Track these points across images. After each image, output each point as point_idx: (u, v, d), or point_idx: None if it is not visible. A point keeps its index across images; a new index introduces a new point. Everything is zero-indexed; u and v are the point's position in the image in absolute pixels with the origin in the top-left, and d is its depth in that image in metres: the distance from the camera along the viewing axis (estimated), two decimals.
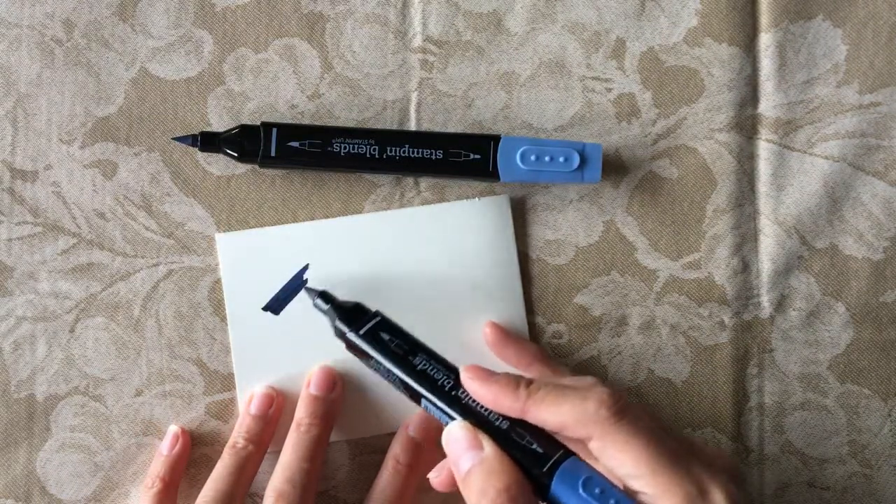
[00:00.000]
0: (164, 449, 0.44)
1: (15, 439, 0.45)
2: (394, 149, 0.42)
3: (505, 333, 0.44)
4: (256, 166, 0.44)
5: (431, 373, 0.38)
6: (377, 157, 0.42)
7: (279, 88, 0.45)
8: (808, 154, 0.46)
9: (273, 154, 0.42)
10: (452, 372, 0.38)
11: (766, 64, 0.46)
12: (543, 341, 0.46)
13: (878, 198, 0.46)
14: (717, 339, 0.46)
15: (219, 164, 0.45)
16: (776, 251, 0.46)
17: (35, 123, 0.45)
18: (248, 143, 0.43)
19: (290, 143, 0.41)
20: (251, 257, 0.45)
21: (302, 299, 0.44)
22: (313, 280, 0.44)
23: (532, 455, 0.35)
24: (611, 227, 0.46)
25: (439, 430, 0.44)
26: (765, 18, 0.46)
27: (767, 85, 0.46)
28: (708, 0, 0.46)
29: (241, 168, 0.45)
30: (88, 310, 0.45)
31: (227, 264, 0.45)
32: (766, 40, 0.46)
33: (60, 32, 0.45)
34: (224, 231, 0.45)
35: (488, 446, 0.35)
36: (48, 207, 0.45)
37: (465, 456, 0.35)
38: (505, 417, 0.36)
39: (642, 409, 0.36)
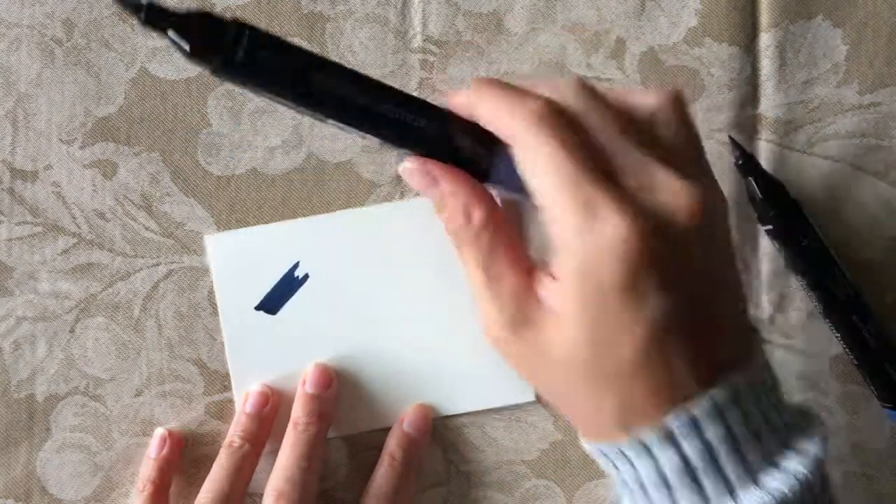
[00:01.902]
0: (151, 452, 0.44)
1: (15, 439, 0.45)
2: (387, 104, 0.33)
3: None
4: (211, 74, 0.31)
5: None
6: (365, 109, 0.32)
7: None
8: (808, 154, 0.46)
9: (238, 60, 0.30)
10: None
11: (766, 64, 0.46)
12: None
13: (878, 198, 0.46)
14: None
15: (219, 164, 0.45)
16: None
17: (35, 123, 0.45)
18: (207, 37, 0.30)
19: (262, 54, 0.30)
20: (242, 257, 0.45)
21: (294, 298, 0.44)
22: (310, 276, 0.44)
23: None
24: None
25: (435, 423, 0.44)
26: (765, 18, 0.46)
27: (767, 85, 0.46)
28: (708, 0, 0.46)
29: (242, 168, 0.45)
30: (88, 310, 0.45)
31: (218, 264, 0.45)
32: (766, 40, 0.46)
33: (60, 32, 0.45)
34: (224, 231, 0.45)
35: (443, 181, 0.33)
36: (48, 207, 0.45)
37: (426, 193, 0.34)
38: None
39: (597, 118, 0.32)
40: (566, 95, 0.32)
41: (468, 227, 0.33)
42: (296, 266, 0.44)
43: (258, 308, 0.44)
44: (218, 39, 0.29)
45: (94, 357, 0.45)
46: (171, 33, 0.29)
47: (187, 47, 0.30)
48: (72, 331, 0.45)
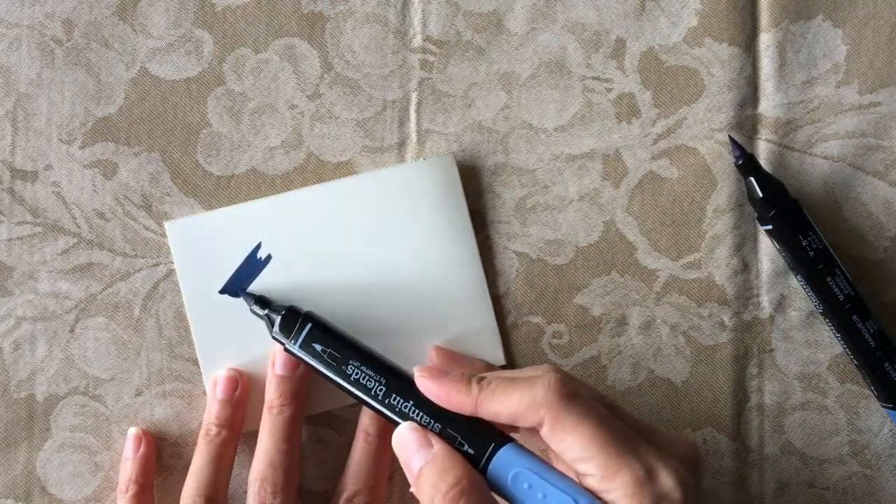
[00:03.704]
0: (128, 453, 0.44)
1: (15, 439, 0.45)
2: (397, 398, 0.39)
3: (450, 354, 0.44)
4: (284, 350, 0.42)
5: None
6: (379, 397, 0.39)
7: (279, 88, 0.45)
8: (808, 154, 0.46)
9: (298, 345, 0.41)
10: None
11: (766, 64, 0.46)
12: (543, 341, 0.46)
13: (878, 198, 0.46)
14: (717, 339, 0.46)
15: (219, 164, 0.45)
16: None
17: (35, 123, 0.45)
18: (288, 323, 0.41)
19: (314, 344, 0.40)
20: (203, 241, 0.44)
21: (258, 279, 0.44)
22: (273, 257, 0.44)
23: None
24: (611, 227, 0.46)
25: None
26: (765, 18, 0.46)
27: (767, 85, 0.46)
28: (708, 0, 0.46)
29: (242, 168, 0.45)
30: (88, 310, 0.45)
31: (180, 251, 0.44)
32: (766, 40, 0.46)
33: (60, 32, 0.45)
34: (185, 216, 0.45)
35: (437, 443, 0.36)
36: (48, 207, 0.45)
37: (416, 456, 0.36)
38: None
39: (592, 394, 0.36)
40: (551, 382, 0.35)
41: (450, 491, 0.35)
42: (258, 247, 0.44)
43: (222, 292, 0.44)
44: (293, 325, 0.41)
45: (94, 357, 0.45)
46: (268, 313, 0.42)
47: (276, 324, 0.41)
48: (72, 331, 0.45)
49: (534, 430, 0.36)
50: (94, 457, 0.45)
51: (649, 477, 0.33)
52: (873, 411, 0.46)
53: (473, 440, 0.37)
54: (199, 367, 0.45)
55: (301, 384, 0.43)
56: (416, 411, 0.38)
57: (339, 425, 0.45)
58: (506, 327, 0.46)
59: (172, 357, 0.45)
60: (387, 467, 0.44)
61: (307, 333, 0.40)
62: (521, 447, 0.36)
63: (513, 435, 0.38)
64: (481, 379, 0.37)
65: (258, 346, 0.44)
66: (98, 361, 0.45)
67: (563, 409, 0.34)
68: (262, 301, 0.42)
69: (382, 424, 0.43)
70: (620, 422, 0.35)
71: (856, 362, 0.44)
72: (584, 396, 0.35)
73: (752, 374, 0.46)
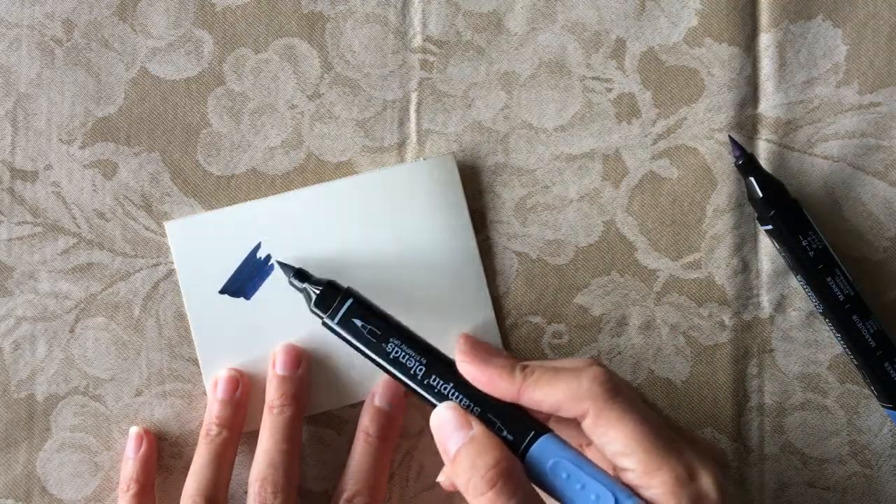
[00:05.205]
0: (130, 452, 0.44)
1: (15, 439, 0.45)
2: (437, 380, 0.38)
3: (478, 343, 0.44)
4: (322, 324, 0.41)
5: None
6: (418, 378, 0.39)
7: (279, 88, 0.45)
8: (807, 154, 0.46)
9: (337, 321, 0.40)
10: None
11: (766, 64, 0.46)
12: (543, 341, 0.46)
13: (878, 198, 0.46)
14: (717, 339, 0.46)
15: (219, 164, 0.45)
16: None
17: (35, 123, 0.45)
18: (326, 297, 0.41)
19: (353, 319, 0.40)
20: (204, 241, 0.45)
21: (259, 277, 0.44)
22: (273, 257, 0.44)
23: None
24: (611, 227, 0.46)
25: (406, 396, 0.44)
26: (765, 18, 0.46)
27: (767, 85, 0.46)
28: (708, 0, 0.46)
29: (242, 168, 0.45)
30: (88, 310, 0.45)
31: (180, 251, 0.45)
32: (766, 40, 0.46)
33: (60, 32, 0.45)
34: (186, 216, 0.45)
35: (476, 425, 0.36)
36: (48, 207, 0.45)
37: (454, 437, 0.36)
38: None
39: (635, 390, 0.36)
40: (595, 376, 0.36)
41: (487, 474, 0.34)
42: (258, 247, 0.44)
43: (222, 291, 0.44)
44: (332, 299, 0.40)
45: (94, 357, 0.45)
46: (307, 286, 0.41)
47: (314, 298, 0.40)
48: (72, 331, 0.45)
49: (569, 422, 0.36)
50: (94, 457, 0.45)
51: (690, 477, 0.33)
52: (873, 411, 0.46)
53: (513, 426, 0.36)
54: (199, 367, 0.45)
55: (302, 384, 0.43)
56: (456, 394, 0.37)
57: (339, 425, 0.45)
58: (506, 327, 0.46)
59: (172, 357, 0.45)
60: (387, 467, 0.44)
61: (347, 309, 0.40)
62: (560, 438, 0.36)
63: None
64: (525, 367, 0.37)
65: (258, 346, 0.44)
66: (98, 361, 0.45)
67: (608, 403, 0.34)
68: (301, 274, 0.41)
69: (383, 425, 0.43)
70: (662, 422, 0.35)
71: (856, 362, 0.44)
72: (628, 393, 0.35)
73: (752, 374, 0.46)
